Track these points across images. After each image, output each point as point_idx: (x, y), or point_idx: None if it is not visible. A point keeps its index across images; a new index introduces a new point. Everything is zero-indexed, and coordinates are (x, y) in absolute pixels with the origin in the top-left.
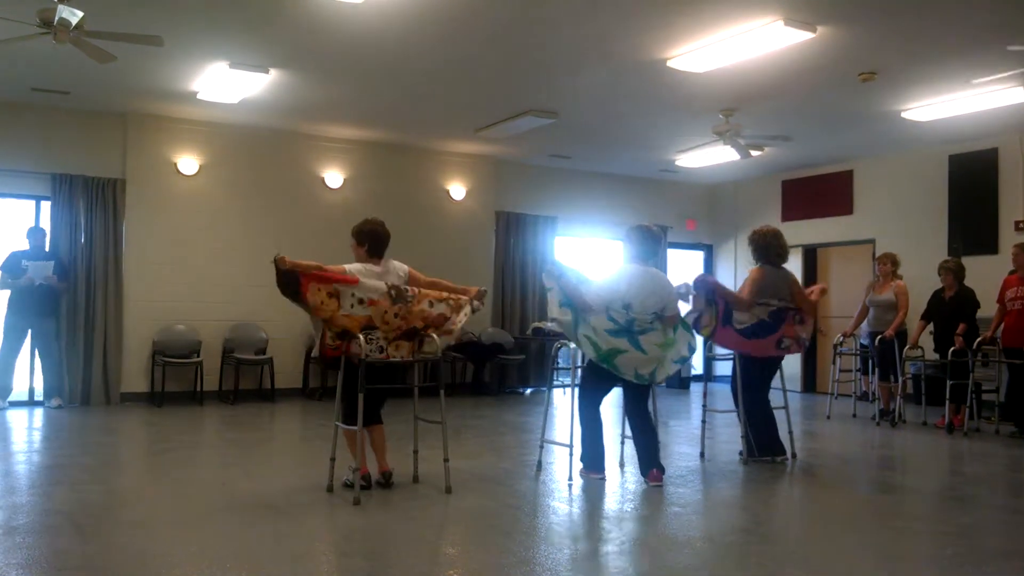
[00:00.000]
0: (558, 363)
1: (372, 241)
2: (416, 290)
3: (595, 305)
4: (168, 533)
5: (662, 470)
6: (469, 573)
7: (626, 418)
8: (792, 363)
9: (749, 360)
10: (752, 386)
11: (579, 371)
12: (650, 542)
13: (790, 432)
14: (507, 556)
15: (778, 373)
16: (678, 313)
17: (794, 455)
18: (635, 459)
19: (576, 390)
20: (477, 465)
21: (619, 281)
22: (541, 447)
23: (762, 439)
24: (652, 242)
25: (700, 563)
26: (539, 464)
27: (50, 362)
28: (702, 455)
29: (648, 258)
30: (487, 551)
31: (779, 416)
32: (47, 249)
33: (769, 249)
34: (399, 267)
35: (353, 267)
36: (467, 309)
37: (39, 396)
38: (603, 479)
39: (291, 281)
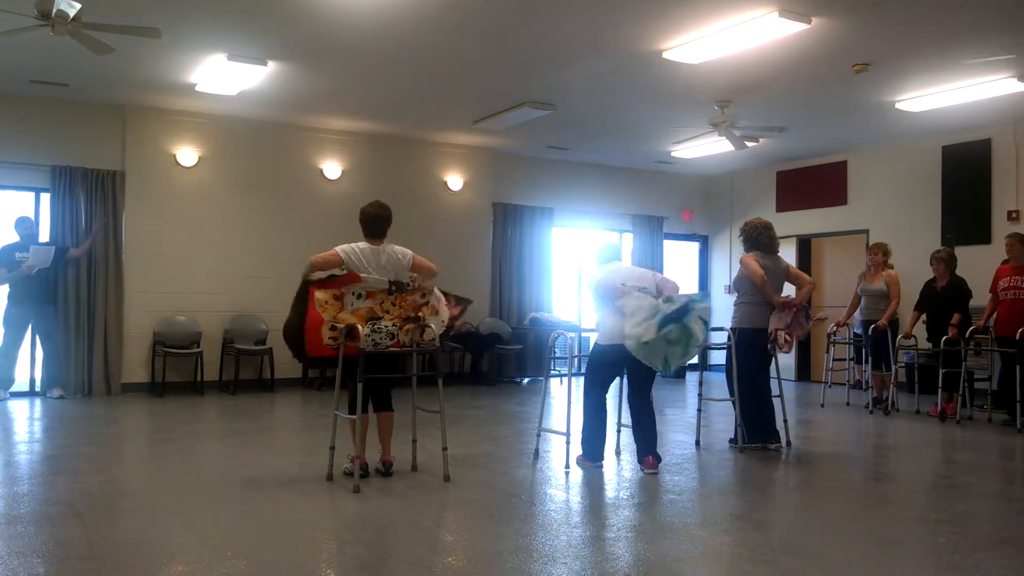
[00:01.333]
0: (555, 353)
1: (367, 223)
2: (413, 276)
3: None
4: (169, 522)
5: (658, 459)
6: (467, 560)
7: (628, 405)
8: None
9: (745, 345)
10: (747, 371)
11: (578, 360)
12: (646, 529)
13: (784, 421)
14: (505, 543)
15: (773, 361)
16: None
17: (788, 443)
18: (631, 447)
19: (583, 379)
20: (475, 454)
21: (610, 273)
22: (538, 436)
23: (754, 425)
24: (614, 250)
25: (696, 550)
26: (536, 452)
27: (52, 349)
28: (697, 443)
29: (615, 259)
30: (485, 538)
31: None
32: (39, 240)
33: (759, 241)
34: (402, 252)
35: (343, 248)
36: (443, 316)
37: (40, 387)
38: (600, 468)
39: (303, 291)
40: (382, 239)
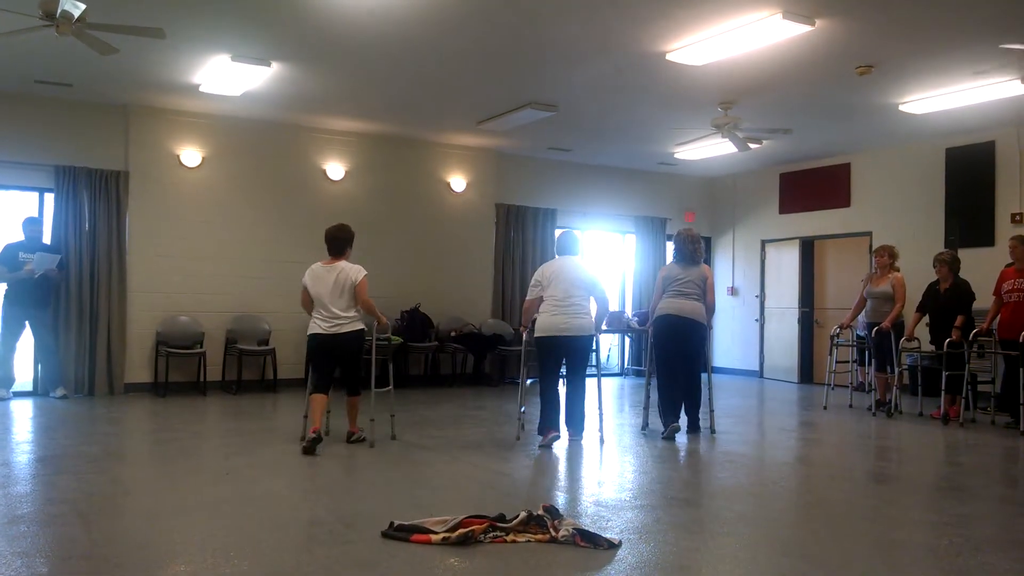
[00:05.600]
0: None
1: (326, 242)
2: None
3: (535, 302)
4: (172, 522)
5: (581, 430)
6: (471, 560)
7: (566, 386)
8: (788, 353)
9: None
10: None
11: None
12: (644, 531)
13: (711, 411)
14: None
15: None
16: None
17: (713, 431)
18: (631, 447)
19: (540, 370)
20: (476, 454)
21: (539, 276)
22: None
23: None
24: (571, 239)
25: (697, 553)
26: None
27: (46, 353)
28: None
29: (569, 252)
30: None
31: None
32: (45, 240)
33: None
34: (352, 270)
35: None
36: None
37: (39, 387)
38: (558, 436)
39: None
40: (336, 257)
